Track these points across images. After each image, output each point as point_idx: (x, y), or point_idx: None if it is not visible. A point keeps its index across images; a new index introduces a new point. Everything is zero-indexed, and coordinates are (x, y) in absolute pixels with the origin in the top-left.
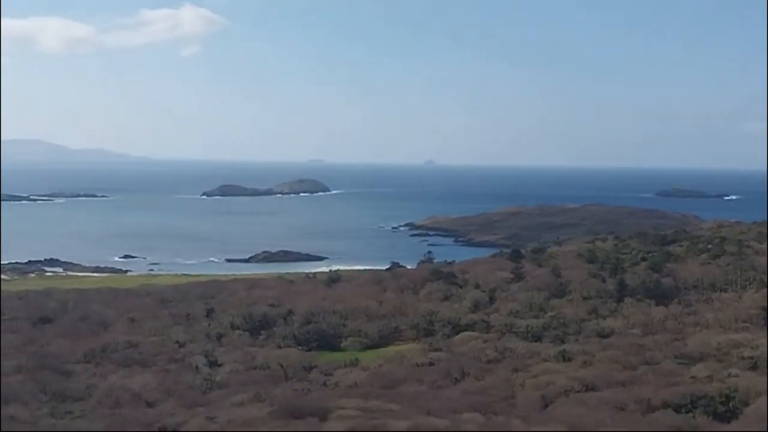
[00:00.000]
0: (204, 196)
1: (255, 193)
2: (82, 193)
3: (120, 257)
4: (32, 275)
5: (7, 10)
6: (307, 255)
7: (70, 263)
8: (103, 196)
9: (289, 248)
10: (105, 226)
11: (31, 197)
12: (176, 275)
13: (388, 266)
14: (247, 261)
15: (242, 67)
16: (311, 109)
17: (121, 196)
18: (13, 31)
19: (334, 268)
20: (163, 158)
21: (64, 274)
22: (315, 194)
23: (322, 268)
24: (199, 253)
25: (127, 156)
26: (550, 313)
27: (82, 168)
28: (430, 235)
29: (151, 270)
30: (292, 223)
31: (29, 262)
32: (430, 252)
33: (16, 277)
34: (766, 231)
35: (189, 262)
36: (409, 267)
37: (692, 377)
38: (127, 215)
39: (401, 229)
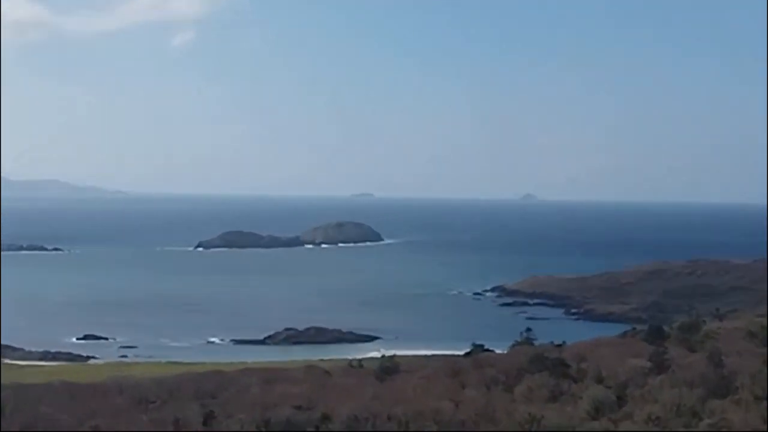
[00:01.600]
0: (200, 248)
1: (273, 242)
2: (25, 244)
3: (79, 338)
4: None
5: None
6: (350, 334)
7: (8, 347)
8: (55, 249)
9: (323, 324)
10: (58, 293)
11: None
12: (160, 363)
13: (467, 350)
14: (262, 342)
15: (257, 62)
16: (355, 128)
17: (82, 248)
18: None
19: (389, 352)
20: (160, 193)
21: None
22: (361, 244)
23: (371, 353)
24: (193, 330)
25: (99, 190)
26: (707, 420)
27: (26, 207)
28: (529, 305)
29: (125, 356)
30: (326, 286)
31: None
32: (529, 329)
33: None
34: None
35: (179, 344)
36: (498, 351)
37: None
38: (90, 276)
39: (487, 294)
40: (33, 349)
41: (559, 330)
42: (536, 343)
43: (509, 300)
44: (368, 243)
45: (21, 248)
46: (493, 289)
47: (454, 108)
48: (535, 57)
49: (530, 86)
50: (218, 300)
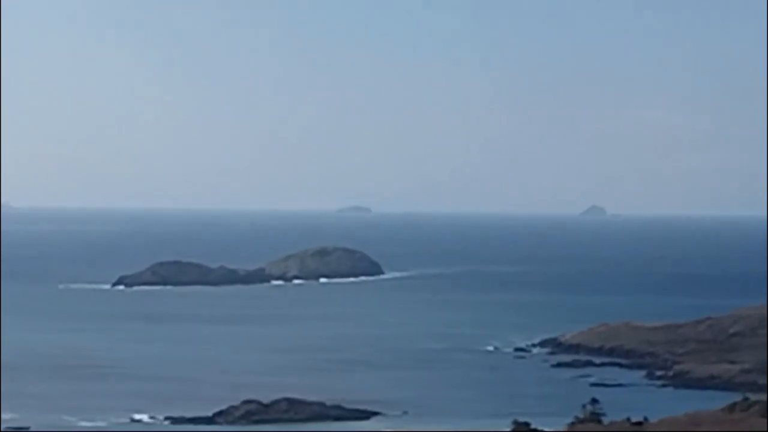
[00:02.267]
0: (121, 286)
1: (226, 277)
2: None
3: None
4: None
5: None
6: (337, 408)
7: None
8: None
9: (298, 393)
10: None
11: None
12: None
13: (507, 430)
14: (211, 420)
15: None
16: (347, 118)
17: None
18: None
19: None
20: (62, 207)
21: None
22: (352, 280)
23: None
24: (110, 403)
25: None
26: None
27: None
28: (594, 365)
29: None
30: (302, 339)
31: None
32: (595, 400)
33: None
34: None
35: (89, 423)
36: (550, 431)
37: None
38: None
39: (534, 351)
40: None
41: (638, 401)
42: (605, 419)
43: (566, 358)
44: (363, 277)
45: None
46: (543, 343)
47: (482, 89)
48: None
49: (584, 46)
50: (146, 360)
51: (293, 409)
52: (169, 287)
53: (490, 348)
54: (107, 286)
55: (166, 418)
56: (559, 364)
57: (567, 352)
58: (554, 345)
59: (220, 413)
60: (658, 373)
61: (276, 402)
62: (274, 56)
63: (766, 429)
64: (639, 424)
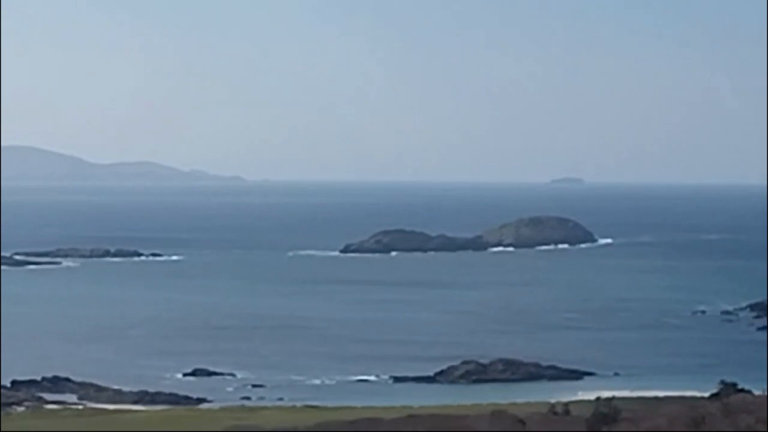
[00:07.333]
0: (348, 253)
1: (446, 245)
2: (112, 249)
3: (187, 373)
4: (21, 409)
5: None
6: (552, 368)
7: (93, 385)
8: (153, 255)
9: (511, 354)
10: (157, 313)
11: (17, 257)
12: (295, 408)
13: (713, 391)
14: (432, 380)
15: None
16: (555, 82)
17: (190, 253)
18: None
19: (606, 394)
20: (290, 181)
21: (82, 406)
22: (565, 247)
23: (580, 393)
24: (339, 364)
25: (208, 176)
26: None
27: (113, 199)
28: None
29: (247, 398)
30: (519, 304)
31: (15, 383)
32: None
33: None
34: None
35: (318, 380)
36: (757, 392)
37: None
38: (201, 291)
39: (740, 315)
40: (125, 389)
41: None
42: None
43: None
44: (579, 245)
45: (107, 254)
46: (751, 307)
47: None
48: None
49: None
50: (372, 323)
51: (510, 369)
52: (392, 254)
53: (696, 311)
54: (335, 253)
55: (391, 377)
56: (765, 327)
57: None
58: (761, 309)
59: (441, 373)
60: None
61: (493, 363)
62: None
63: (765, 429)
64: None
